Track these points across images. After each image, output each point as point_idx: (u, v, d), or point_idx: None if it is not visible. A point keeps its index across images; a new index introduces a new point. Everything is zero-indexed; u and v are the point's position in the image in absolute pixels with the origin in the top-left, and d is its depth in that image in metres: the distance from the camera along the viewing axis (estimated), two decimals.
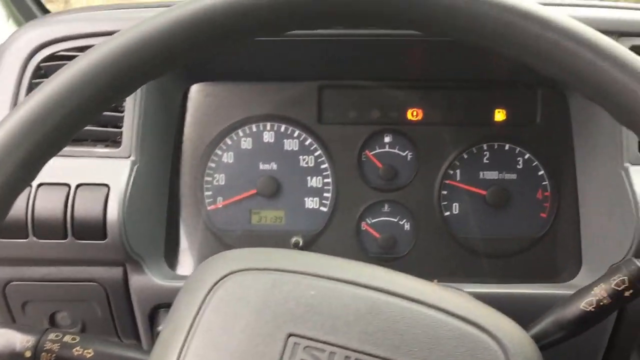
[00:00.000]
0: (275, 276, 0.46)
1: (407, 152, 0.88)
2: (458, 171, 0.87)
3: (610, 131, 0.75)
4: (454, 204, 0.87)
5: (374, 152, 0.88)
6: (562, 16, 0.42)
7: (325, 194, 0.88)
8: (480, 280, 0.82)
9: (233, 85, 0.89)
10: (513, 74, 0.86)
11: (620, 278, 0.53)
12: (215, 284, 0.46)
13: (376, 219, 0.87)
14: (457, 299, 0.48)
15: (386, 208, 0.88)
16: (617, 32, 0.75)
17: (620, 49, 0.42)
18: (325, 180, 0.88)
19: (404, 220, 0.87)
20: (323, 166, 0.88)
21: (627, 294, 0.52)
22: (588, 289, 0.54)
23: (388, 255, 0.87)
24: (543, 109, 0.86)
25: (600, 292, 0.53)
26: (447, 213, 0.87)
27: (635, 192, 0.70)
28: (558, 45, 0.42)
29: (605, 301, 0.53)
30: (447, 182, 0.87)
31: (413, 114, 0.88)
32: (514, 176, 0.87)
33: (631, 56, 0.41)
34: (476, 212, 0.87)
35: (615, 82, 0.42)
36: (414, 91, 0.88)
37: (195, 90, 0.89)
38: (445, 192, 0.87)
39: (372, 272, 0.48)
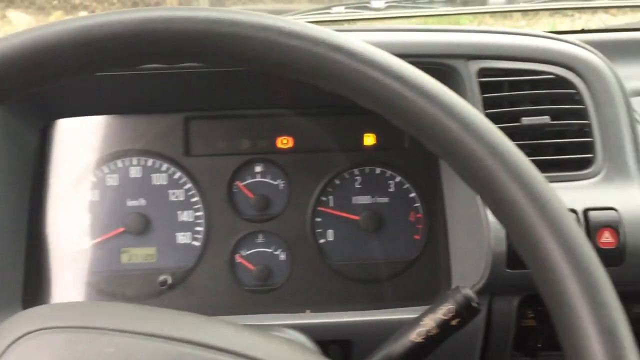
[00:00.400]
0: (70, 335, 0.43)
1: (278, 180, 0.87)
2: (331, 197, 0.87)
3: None
4: (329, 231, 0.87)
5: (245, 182, 0.87)
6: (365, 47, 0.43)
7: (197, 228, 0.86)
8: (356, 307, 0.81)
9: (97, 120, 0.86)
10: None
11: (447, 307, 0.53)
12: (7, 348, 0.43)
13: (250, 251, 0.86)
14: (269, 345, 0.47)
15: (260, 239, 0.86)
16: (466, 55, 0.76)
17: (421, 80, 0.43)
18: (197, 213, 0.86)
19: (279, 250, 0.86)
20: (193, 199, 0.86)
21: (454, 322, 0.52)
22: (418, 320, 0.54)
23: (264, 287, 0.85)
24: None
25: (428, 322, 0.53)
26: (322, 240, 0.86)
27: (488, 216, 0.71)
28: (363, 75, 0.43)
29: (433, 331, 0.52)
30: (320, 209, 0.86)
31: (283, 142, 0.87)
32: (386, 200, 0.87)
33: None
34: (350, 237, 0.86)
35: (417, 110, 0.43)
36: (284, 119, 0.87)
37: (58, 125, 0.85)
38: (319, 220, 0.86)
39: (180, 321, 0.46)
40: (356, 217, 0.86)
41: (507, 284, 0.72)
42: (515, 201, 0.45)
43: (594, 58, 0.77)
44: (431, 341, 0.52)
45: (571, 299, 0.42)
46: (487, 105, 0.77)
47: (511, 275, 0.71)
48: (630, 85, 0.96)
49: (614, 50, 0.93)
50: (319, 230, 0.86)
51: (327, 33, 0.47)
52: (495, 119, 0.76)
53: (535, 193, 0.44)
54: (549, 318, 0.81)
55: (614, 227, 0.69)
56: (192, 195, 0.86)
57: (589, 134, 0.75)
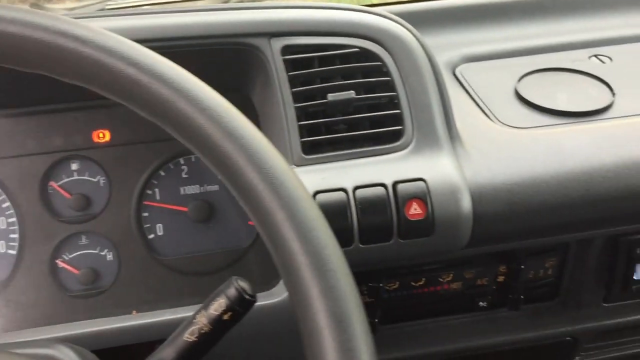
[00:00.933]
0: None
1: (98, 177, 0.82)
2: (157, 190, 0.83)
3: (278, 133, 0.74)
4: (157, 225, 0.82)
5: (60, 182, 0.81)
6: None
7: (12, 235, 0.79)
8: (189, 303, 0.78)
9: None
10: None
11: (219, 301, 0.50)
12: None
13: (74, 254, 0.81)
14: None
15: (83, 240, 0.81)
16: (268, 33, 0.73)
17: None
18: (10, 220, 0.80)
19: (106, 251, 0.81)
20: (4, 205, 0.79)
21: (226, 317, 0.50)
22: (192, 317, 0.51)
23: (90, 291, 0.81)
24: None
25: (201, 320, 0.50)
26: (151, 236, 0.82)
27: None
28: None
29: (206, 329, 0.50)
30: (146, 203, 0.82)
31: (99, 136, 0.82)
32: (216, 187, 0.84)
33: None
34: (181, 230, 0.83)
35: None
36: (98, 111, 0.82)
37: None
38: (146, 214, 0.82)
39: None
40: (184, 209, 0.83)
41: None
42: (252, 185, 0.43)
43: (399, 29, 0.75)
44: (205, 339, 0.50)
45: (304, 284, 0.41)
46: (297, 83, 0.74)
47: None
48: (461, 52, 0.97)
49: (436, 19, 0.93)
50: (147, 225, 0.82)
51: (54, 19, 0.43)
52: (304, 97, 0.74)
53: (271, 177, 0.42)
54: (380, 293, 0.80)
55: (422, 198, 0.69)
56: (3, 201, 0.79)
57: (397, 105, 0.74)
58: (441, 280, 0.83)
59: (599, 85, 0.87)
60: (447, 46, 0.95)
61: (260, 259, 0.84)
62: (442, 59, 0.94)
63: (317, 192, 0.69)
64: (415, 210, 0.69)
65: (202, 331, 0.50)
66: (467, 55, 0.95)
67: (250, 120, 0.83)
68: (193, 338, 0.50)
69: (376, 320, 0.81)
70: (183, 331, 0.50)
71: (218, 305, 0.50)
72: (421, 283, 0.83)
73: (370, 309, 0.82)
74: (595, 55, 0.94)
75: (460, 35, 0.99)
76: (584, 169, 0.73)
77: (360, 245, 0.69)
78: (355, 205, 0.69)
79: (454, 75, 0.92)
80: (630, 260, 0.82)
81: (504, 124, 0.81)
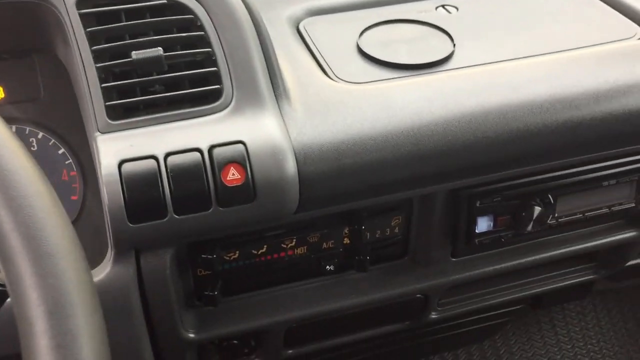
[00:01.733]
0: None
1: None
2: None
3: (84, 96, 0.67)
4: None
5: None
6: None
7: None
8: None
9: None
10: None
11: None
12: None
13: None
14: None
15: None
16: None
17: None
18: None
19: None
20: None
21: None
22: None
23: None
24: (44, 81, 0.76)
25: None
26: None
27: (101, 166, 0.63)
28: None
29: None
30: None
31: None
32: None
33: None
34: None
35: None
36: None
37: None
38: None
39: None
40: None
41: (136, 239, 0.65)
42: None
43: None
44: None
45: (16, 269, 0.35)
46: (101, 40, 0.67)
47: (138, 230, 0.63)
48: (305, 5, 0.92)
49: None
50: None
51: None
52: (109, 55, 0.67)
53: None
54: (216, 265, 0.74)
55: (240, 162, 0.64)
56: None
57: (214, 63, 0.68)
58: (284, 246, 0.79)
59: (441, 36, 0.85)
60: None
61: (86, 235, 0.77)
62: (286, 13, 0.89)
63: (123, 161, 0.62)
64: (233, 175, 0.64)
65: None
66: (311, 9, 0.90)
67: (63, 83, 0.75)
68: None
69: (216, 293, 0.77)
70: None
71: None
72: (263, 251, 0.79)
73: (208, 282, 0.78)
74: (442, 6, 0.92)
75: None
76: (414, 123, 0.71)
77: (176, 216, 0.64)
78: (167, 173, 0.63)
79: (297, 30, 0.87)
80: (471, 214, 0.81)
81: (342, 79, 0.77)
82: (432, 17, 0.89)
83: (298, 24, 0.88)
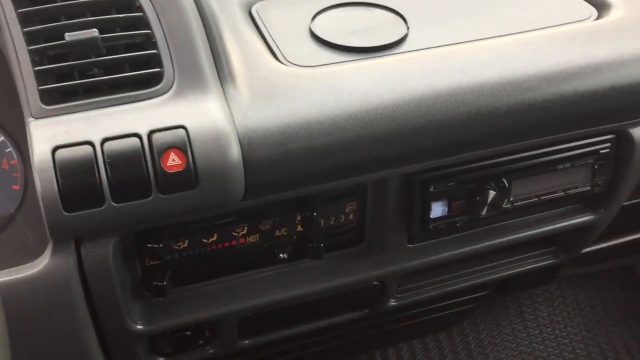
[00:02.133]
0: None
1: None
2: None
3: (18, 80, 0.64)
4: None
5: None
6: None
7: None
8: None
9: None
10: None
11: None
12: None
13: None
14: None
15: None
16: None
17: None
18: None
19: None
20: None
21: None
22: None
23: None
24: None
25: None
26: None
27: (34, 150, 0.60)
28: None
29: None
30: None
31: None
32: None
33: None
34: None
35: None
36: None
37: None
38: None
39: None
40: None
41: (73, 229, 0.62)
42: None
43: None
44: None
45: None
46: (34, 21, 0.64)
47: (74, 219, 0.61)
48: None
49: None
50: None
51: None
52: (44, 38, 0.65)
53: None
54: (163, 254, 0.72)
55: (181, 147, 0.62)
56: None
57: (154, 45, 0.66)
58: (235, 234, 0.77)
59: (395, 19, 0.83)
60: None
61: (29, 225, 0.74)
62: None
63: (57, 148, 0.60)
64: (173, 161, 0.62)
65: None
66: None
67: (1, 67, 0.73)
68: None
69: (165, 283, 0.75)
70: None
71: None
72: (213, 239, 0.77)
73: (157, 272, 0.76)
74: None
75: None
76: (362, 107, 0.69)
77: (114, 204, 0.62)
78: (104, 159, 0.61)
79: (250, 14, 0.85)
80: (425, 199, 0.80)
81: (292, 63, 0.75)
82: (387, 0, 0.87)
83: (250, 7, 0.86)
